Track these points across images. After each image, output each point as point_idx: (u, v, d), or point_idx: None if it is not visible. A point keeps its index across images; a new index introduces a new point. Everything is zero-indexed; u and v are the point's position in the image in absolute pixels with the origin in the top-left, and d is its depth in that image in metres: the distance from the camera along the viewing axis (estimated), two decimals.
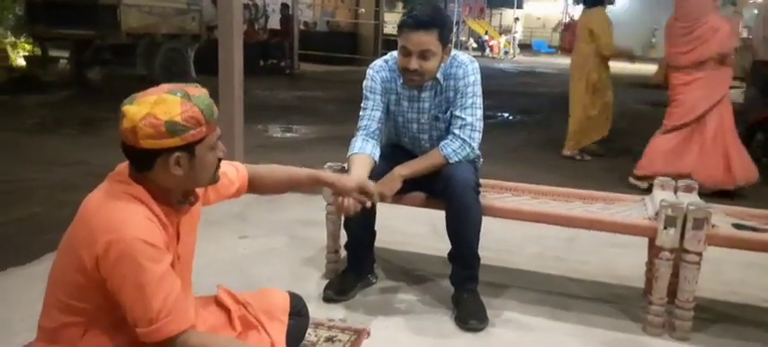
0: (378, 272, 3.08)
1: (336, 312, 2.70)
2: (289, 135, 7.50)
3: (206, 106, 1.55)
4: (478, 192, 2.68)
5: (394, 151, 2.86)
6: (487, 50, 26.59)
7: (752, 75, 6.99)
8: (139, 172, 1.58)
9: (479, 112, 2.72)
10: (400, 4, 25.93)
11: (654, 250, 2.64)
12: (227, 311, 1.90)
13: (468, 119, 2.69)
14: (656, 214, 2.56)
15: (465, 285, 2.74)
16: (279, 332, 1.89)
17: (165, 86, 1.57)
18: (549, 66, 22.51)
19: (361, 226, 2.86)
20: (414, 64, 2.60)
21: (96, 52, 10.34)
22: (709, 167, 4.81)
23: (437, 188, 2.67)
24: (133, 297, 1.47)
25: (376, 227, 2.94)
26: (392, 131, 2.92)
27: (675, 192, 2.86)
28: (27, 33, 11.62)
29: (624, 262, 3.31)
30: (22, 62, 12.05)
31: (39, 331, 1.64)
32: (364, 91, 2.82)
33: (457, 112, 2.71)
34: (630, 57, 12.23)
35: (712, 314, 2.83)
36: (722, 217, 2.72)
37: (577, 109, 6.40)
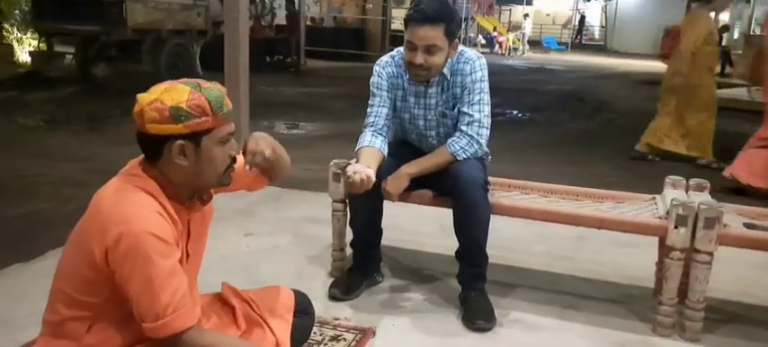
0: (384, 271, 3.05)
1: (342, 311, 2.68)
2: (295, 131, 7.48)
3: (215, 98, 1.55)
4: (487, 190, 2.65)
5: (401, 148, 2.83)
6: (496, 47, 26.49)
7: None
8: (149, 160, 1.59)
9: (487, 109, 2.69)
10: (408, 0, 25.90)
11: (664, 249, 2.60)
12: (232, 309, 1.89)
13: (476, 115, 2.66)
14: (667, 213, 2.53)
15: (473, 284, 2.71)
16: (283, 330, 1.88)
17: (184, 79, 1.59)
18: (558, 63, 22.44)
19: (367, 225, 2.84)
20: (419, 58, 2.57)
21: (102, 48, 10.36)
22: None
23: (445, 186, 2.65)
24: (141, 290, 1.47)
25: (383, 226, 2.91)
26: (399, 128, 2.89)
27: (687, 191, 2.83)
28: (33, 29, 11.64)
29: (634, 261, 3.28)
30: (27, 58, 12.07)
31: (43, 325, 1.64)
32: (371, 87, 2.79)
33: (464, 109, 2.68)
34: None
35: (723, 314, 2.79)
36: (734, 217, 2.68)
37: (700, 114, 5.97)
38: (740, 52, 17.27)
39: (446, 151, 2.66)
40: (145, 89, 1.57)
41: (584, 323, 2.69)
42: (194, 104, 1.52)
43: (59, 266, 1.63)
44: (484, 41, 27.61)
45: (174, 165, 1.56)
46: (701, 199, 2.63)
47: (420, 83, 2.71)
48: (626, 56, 27.80)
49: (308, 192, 4.46)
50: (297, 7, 15.77)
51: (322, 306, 2.60)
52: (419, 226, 3.68)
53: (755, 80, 4.95)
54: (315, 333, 2.34)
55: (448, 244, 2.88)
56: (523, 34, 28.35)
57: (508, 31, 28.73)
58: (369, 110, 2.77)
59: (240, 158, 1.75)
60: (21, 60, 12.04)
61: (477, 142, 2.65)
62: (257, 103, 6.25)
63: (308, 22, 18.06)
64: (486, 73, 2.71)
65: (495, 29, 28.08)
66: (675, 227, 2.46)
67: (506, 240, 3.40)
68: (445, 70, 2.67)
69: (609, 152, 6.89)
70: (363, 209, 2.80)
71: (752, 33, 20.35)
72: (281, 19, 16.16)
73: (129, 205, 1.51)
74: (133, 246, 1.46)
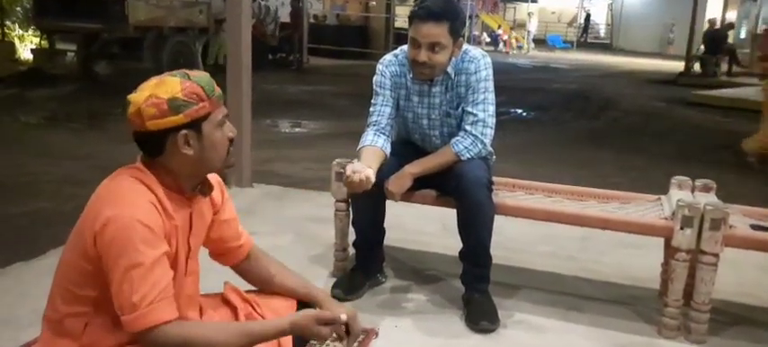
0: (387, 271, 3.03)
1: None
2: (297, 130, 7.47)
3: (206, 82, 1.57)
4: (491, 190, 2.63)
5: (404, 148, 2.81)
6: (501, 45, 26.44)
7: None
8: (152, 157, 1.58)
9: (492, 108, 2.67)
10: None
11: (670, 251, 2.58)
12: (234, 309, 1.87)
13: (480, 114, 2.64)
14: (673, 214, 2.50)
15: (476, 285, 2.69)
16: None
17: (168, 72, 1.59)
18: (564, 61, 22.42)
19: (370, 224, 2.82)
20: (423, 56, 2.55)
21: (104, 46, 10.36)
22: None
23: (449, 185, 2.63)
24: (122, 278, 1.45)
25: (385, 225, 2.89)
26: (402, 127, 2.87)
27: (693, 192, 2.80)
28: (35, 26, 11.65)
29: (639, 262, 3.26)
30: (29, 55, 12.07)
31: (43, 323, 1.63)
32: (374, 86, 2.77)
33: (468, 108, 2.66)
34: None
35: (729, 316, 2.77)
36: (740, 218, 2.66)
37: None
38: (747, 51, 17.23)
39: (450, 151, 2.63)
40: None
41: (588, 324, 2.67)
42: (190, 92, 1.53)
43: (60, 261, 1.62)
44: (489, 39, 27.56)
45: (180, 156, 1.56)
46: (707, 200, 2.61)
47: (424, 81, 2.69)
48: (632, 54, 27.75)
49: (311, 191, 4.45)
50: (300, 4, 15.75)
51: None
52: (422, 226, 3.66)
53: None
54: None
55: (451, 244, 2.86)
56: (528, 32, 28.29)
57: (511, 29, 28.66)
58: (371, 109, 2.75)
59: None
60: (22, 58, 12.04)
61: (482, 142, 2.63)
62: (260, 102, 6.23)
63: (311, 20, 18.05)
64: (491, 72, 2.69)
65: (499, 27, 28.05)
66: (681, 228, 2.43)
67: (510, 240, 3.38)
68: (449, 69, 2.65)
69: (614, 152, 6.87)
70: (366, 209, 2.78)
71: (758, 33, 20.28)
72: (284, 17, 16.16)
73: (121, 192, 1.52)
74: (119, 231, 1.45)
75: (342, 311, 1.74)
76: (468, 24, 25.50)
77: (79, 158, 5.36)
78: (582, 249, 3.51)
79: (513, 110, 9.65)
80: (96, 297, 1.54)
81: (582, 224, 2.70)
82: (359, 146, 2.67)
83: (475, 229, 2.61)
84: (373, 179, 2.43)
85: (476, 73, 2.65)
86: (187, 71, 1.58)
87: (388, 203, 2.76)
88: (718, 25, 16.80)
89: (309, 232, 3.59)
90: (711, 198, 2.71)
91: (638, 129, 7.41)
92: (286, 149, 6.25)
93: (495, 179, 2.79)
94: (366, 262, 2.90)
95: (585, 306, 2.83)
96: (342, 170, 2.81)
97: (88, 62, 10.81)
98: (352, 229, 2.90)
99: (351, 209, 2.87)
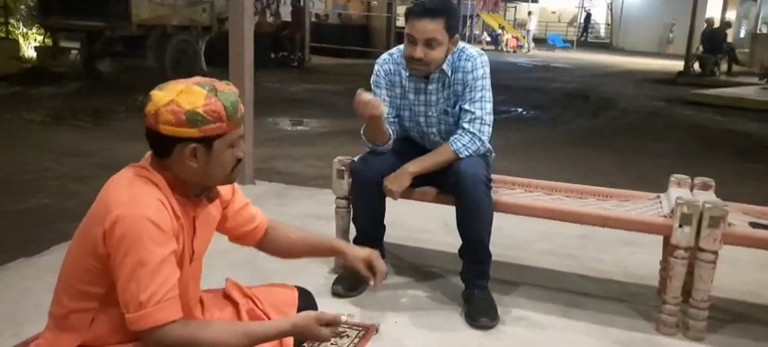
0: (387, 268, 3.04)
1: (345, 307, 2.67)
2: (299, 128, 7.49)
3: (231, 103, 1.55)
4: (490, 188, 2.64)
5: (403, 146, 2.83)
6: (502, 44, 26.41)
7: None
8: (159, 158, 1.59)
9: (489, 106, 2.68)
10: None
11: (669, 248, 2.59)
12: (236, 305, 1.88)
13: (478, 112, 2.65)
14: (672, 212, 2.52)
15: (476, 282, 2.70)
16: None
17: (197, 78, 1.57)
18: (564, 60, 22.38)
19: (370, 222, 2.84)
20: (419, 52, 2.57)
21: (107, 44, 10.36)
22: None
23: (448, 183, 2.64)
24: (129, 275, 1.46)
25: (386, 223, 2.91)
26: (400, 126, 2.88)
27: (692, 190, 2.82)
28: (38, 24, 11.65)
29: (638, 260, 3.27)
30: (32, 53, 12.09)
31: (48, 319, 1.64)
32: (371, 86, 2.80)
33: (466, 106, 2.67)
34: None
35: (727, 314, 2.78)
36: (739, 216, 2.67)
37: None
38: (747, 50, 17.21)
39: (448, 149, 2.65)
40: (149, 85, 1.57)
41: (587, 321, 2.68)
42: (210, 110, 1.51)
43: (66, 257, 1.63)
44: (489, 38, 27.54)
45: (184, 166, 1.57)
46: (706, 198, 2.62)
47: (420, 79, 2.70)
48: (632, 53, 27.71)
49: (312, 189, 4.46)
50: (301, 3, 15.76)
51: (325, 303, 2.57)
52: (422, 224, 3.67)
53: None
54: None
55: (451, 241, 2.87)
56: (528, 32, 28.26)
57: (513, 28, 28.61)
58: None
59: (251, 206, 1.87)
60: (26, 56, 12.06)
61: (480, 139, 2.65)
62: (262, 100, 6.25)
63: (313, 19, 18.04)
64: (487, 70, 2.70)
65: (500, 26, 28.01)
66: (680, 226, 2.45)
67: (510, 238, 3.39)
68: (445, 66, 2.67)
69: (613, 150, 6.88)
70: (366, 206, 2.80)
71: (758, 32, 20.26)
72: (285, 15, 16.17)
73: (132, 190, 1.52)
74: (129, 229, 1.46)
75: (362, 254, 1.90)
76: (468, 24, 25.51)
77: (82, 155, 5.37)
78: (581, 246, 3.52)
79: (513, 108, 9.66)
80: (103, 293, 1.55)
81: (581, 221, 2.71)
82: (362, 131, 2.73)
83: (474, 226, 2.62)
84: (382, 109, 2.55)
85: (473, 71, 2.66)
86: (216, 85, 1.56)
87: (389, 201, 2.78)
88: (716, 24, 16.77)
89: (310, 229, 3.56)
90: (710, 196, 2.72)
91: (638, 128, 7.42)
92: (288, 147, 6.26)
93: (494, 177, 2.80)
94: None
95: (585, 304, 2.84)
96: (343, 167, 2.83)
97: (91, 60, 10.81)
98: (352, 227, 2.92)
99: (351, 206, 2.89)
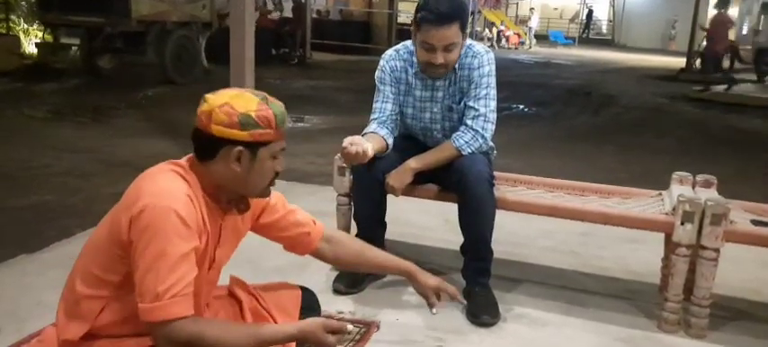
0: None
1: (346, 305, 2.68)
2: (301, 125, 7.48)
3: (280, 113, 1.65)
4: (492, 185, 2.64)
5: (405, 143, 2.83)
6: (503, 41, 26.38)
7: None
8: (201, 160, 1.62)
9: (493, 103, 2.68)
10: None
11: (670, 246, 2.59)
12: (239, 302, 1.89)
13: (482, 109, 2.65)
14: (674, 209, 2.51)
15: (477, 279, 2.70)
16: None
17: (248, 89, 1.66)
18: (565, 57, 22.34)
19: (371, 219, 2.83)
20: (439, 58, 2.56)
21: (107, 40, 10.34)
22: None
23: (450, 180, 2.64)
24: (149, 264, 1.47)
25: (387, 219, 2.90)
26: (403, 122, 2.88)
27: (694, 187, 2.81)
28: (39, 20, 11.64)
29: (640, 257, 3.27)
30: (33, 49, 12.08)
31: (59, 304, 1.66)
32: (376, 82, 2.79)
33: (470, 103, 2.67)
34: None
35: (729, 312, 2.78)
36: (741, 213, 2.67)
37: None
38: (749, 47, 17.16)
39: (450, 146, 2.65)
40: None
41: (589, 318, 2.68)
42: (262, 115, 1.59)
43: (88, 242, 1.65)
44: (491, 35, 27.52)
45: (227, 169, 1.60)
46: (708, 195, 2.61)
47: (432, 77, 2.70)
48: (634, 50, 27.68)
49: (313, 186, 4.46)
50: (303, 0, 15.74)
51: (326, 300, 2.58)
52: (424, 221, 3.67)
53: None
54: None
55: (453, 238, 2.87)
56: (530, 28, 28.22)
57: (501, 23, 28.52)
58: (374, 105, 2.77)
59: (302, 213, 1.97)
60: (27, 52, 12.05)
61: (482, 136, 2.64)
62: None
63: (315, 15, 18.02)
64: (493, 67, 2.70)
65: (501, 22, 27.98)
66: (682, 224, 2.44)
67: (511, 235, 3.39)
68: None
69: (615, 147, 6.87)
70: (368, 203, 2.79)
71: (760, 29, 20.18)
72: (286, 11, 16.15)
73: (164, 183, 1.56)
74: (155, 219, 1.48)
75: (433, 283, 2.03)
76: (470, 20, 25.49)
77: (83, 151, 5.37)
78: (583, 244, 3.52)
79: (514, 105, 9.64)
80: (117, 282, 1.58)
81: (583, 219, 2.71)
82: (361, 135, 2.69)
83: (476, 224, 2.62)
84: (370, 154, 2.48)
85: (479, 68, 2.66)
86: (267, 95, 1.64)
87: (390, 198, 2.78)
88: None
89: None
90: (712, 193, 2.71)
91: (640, 125, 7.41)
92: (289, 143, 6.20)
93: (496, 174, 2.80)
94: None
95: (586, 301, 2.84)
96: (344, 165, 2.82)
97: (92, 56, 10.79)
98: (353, 223, 2.91)
99: (353, 203, 2.89)
